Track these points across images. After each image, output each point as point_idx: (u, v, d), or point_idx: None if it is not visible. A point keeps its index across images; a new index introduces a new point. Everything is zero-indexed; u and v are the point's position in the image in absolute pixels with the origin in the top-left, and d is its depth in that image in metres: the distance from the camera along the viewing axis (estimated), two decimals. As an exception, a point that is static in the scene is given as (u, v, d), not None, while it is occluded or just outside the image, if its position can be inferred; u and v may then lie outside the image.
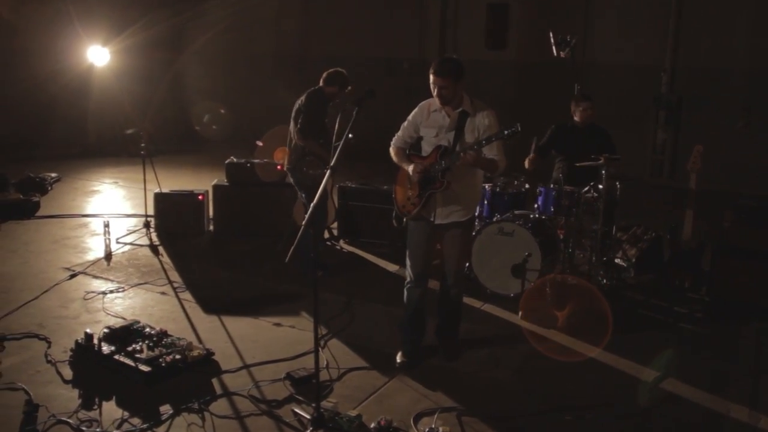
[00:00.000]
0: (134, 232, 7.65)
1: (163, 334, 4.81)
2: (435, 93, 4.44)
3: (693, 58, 11.10)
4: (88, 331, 4.63)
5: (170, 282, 6.19)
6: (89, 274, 6.32)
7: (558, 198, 6.09)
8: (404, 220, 4.72)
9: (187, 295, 5.89)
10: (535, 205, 6.32)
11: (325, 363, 4.62)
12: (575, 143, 6.41)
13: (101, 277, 6.25)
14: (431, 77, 4.41)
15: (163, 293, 5.93)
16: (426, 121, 4.60)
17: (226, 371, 4.54)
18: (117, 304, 5.65)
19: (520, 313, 5.61)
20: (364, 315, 5.60)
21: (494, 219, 6.07)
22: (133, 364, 4.37)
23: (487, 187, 6.51)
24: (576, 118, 6.58)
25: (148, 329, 4.86)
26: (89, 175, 10.92)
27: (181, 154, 12.86)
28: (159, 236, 7.52)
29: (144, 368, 4.32)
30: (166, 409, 4.04)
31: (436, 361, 4.79)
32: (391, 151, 4.75)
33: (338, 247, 7.42)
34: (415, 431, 3.89)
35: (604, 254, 6.30)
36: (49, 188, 9.60)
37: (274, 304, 5.75)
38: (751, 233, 5.88)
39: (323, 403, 3.99)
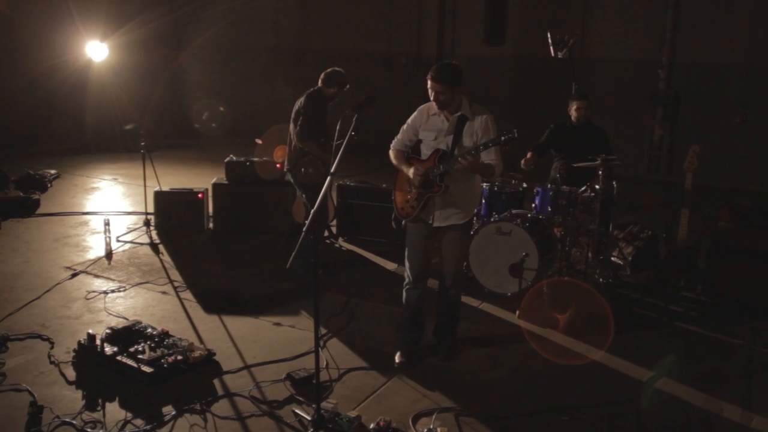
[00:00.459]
0: (134, 230, 7.70)
1: (164, 334, 4.87)
2: (432, 98, 4.48)
3: (690, 54, 11.16)
4: (90, 331, 4.68)
5: (171, 281, 6.25)
6: (90, 273, 6.37)
7: (555, 198, 6.15)
8: (403, 222, 4.77)
9: (187, 295, 5.94)
10: (533, 205, 6.38)
11: (325, 363, 4.68)
12: (573, 143, 6.47)
13: (102, 276, 6.31)
14: (429, 83, 4.45)
15: (164, 292, 5.98)
16: (425, 124, 4.65)
17: (228, 372, 4.60)
18: (118, 303, 5.70)
19: (517, 312, 5.67)
20: (363, 314, 5.66)
21: (492, 219, 6.12)
22: (135, 365, 4.43)
23: (485, 186, 6.55)
24: (572, 117, 6.63)
25: (149, 330, 4.92)
26: (88, 171, 10.95)
27: (180, 149, 12.91)
28: (159, 234, 7.57)
29: (146, 369, 4.38)
30: (168, 410, 4.10)
31: (435, 360, 4.86)
32: (391, 153, 4.80)
33: (337, 245, 7.48)
34: (414, 431, 3.97)
35: (600, 253, 6.36)
36: (49, 185, 9.64)
37: (274, 303, 5.81)
38: (746, 233, 5.96)
39: (323, 403, 4.05)
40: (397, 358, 4.78)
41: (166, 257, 6.92)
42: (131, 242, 7.33)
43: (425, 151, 4.67)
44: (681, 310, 5.92)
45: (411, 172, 4.55)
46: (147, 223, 7.71)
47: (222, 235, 7.67)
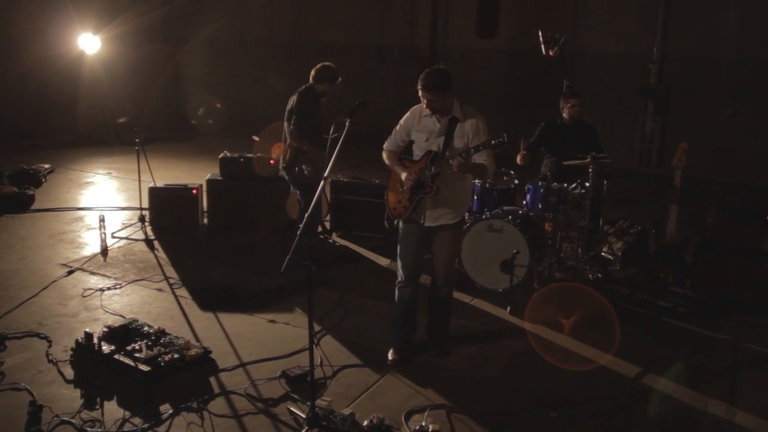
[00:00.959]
0: (129, 226, 7.75)
1: (161, 332, 4.93)
2: (425, 105, 4.54)
3: (681, 47, 11.23)
4: (87, 330, 4.75)
5: (166, 278, 6.31)
6: (86, 270, 6.43)
7: (546, 195, 6.23)
8: (395, 222, 4.85)
9: (183, 292, 6.01)
10: (524, 202, 6.46)
11: (320, 361, 4.77)
12: (564, 141, 6.54)
13: (98, 273, 6.36)
14: (421, 92, 4.51)
15: (159, 290, 6.05)
16: (417, 125, 4.71)
17: (223, 369, 4.67)
18: (115, 301, 5.77)
19: (508, 308, 5.76)
20: (356, 310, 5.74)
21: (484, 216, 6.20)
22: (132, 363, 4.50)
23: (477, 182, 6.64)
24: (564, 115, 6.70)
25: (146, 328, 4.99)
26: (82, 165, 10.98)
27: (174, 142, 12.93)
28: (154, 230, 7.63)
29: (144, 368, 4.45)
30: (165, 408, 4.18)
31: (427, 357, 4.95)
32: (384, 154, 4.86)
33: (331, 241, 7.55)
34: (406, 429, 4.05)
35: (591, 249, 6.46)
36: (43, 180, 9.67)
37: (269, 299, 5.89)
38: (733, 230, 6.05)
39: (318, 401, 4.14)
40: (390, 355, 4.87)
41: (161, 253, 6.98)
42: (126, 238, 7.38)
43: (417, 152, 4.74)
44: (669, 306, 6.02)
45: (404, 176, 4.62)
46: (142, 219, 7.76)
47: (216, 230, 7.73)
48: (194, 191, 7.82)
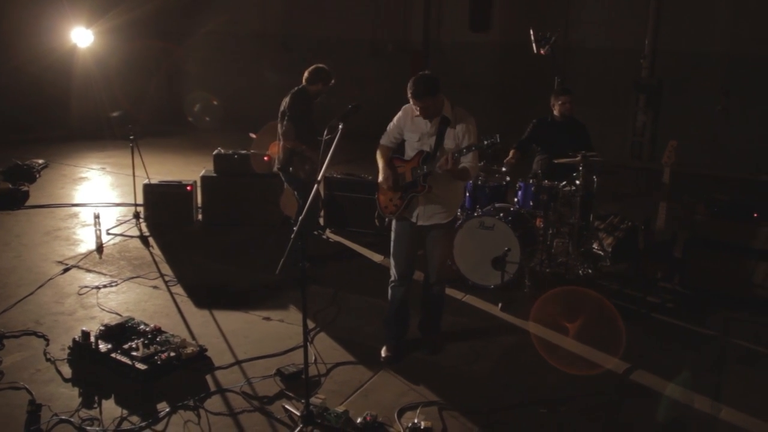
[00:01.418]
0: (124, 222, 7.80)
1: (157, 331, 4.99)
2: (419, 113, 4.60)
3: (673, 42, 11.28)
4: (84, 329, 4.81)
5: (161, 275, 6.37)
6: (82, 268, 6.48)
7: (537, 193, 6.31)
8: (386, 219, 4.93)
9: (178, 289, 6.07)
10: (515, 199, 6.54)
11: (314, 358, 4.84)
12: (555, 138, 6.62)
13: (94, 271, 6.42)
14: (412, 101, 4.57)
15: (155, 287, 6.11)
16: (409, 125, 4.79)
17: (219, 367, 4.75)
18: (111, 299, 5.83)
19: (500, 304, 5.85)
20: (350, 307, 5.82)
21: (476, 213, 6.27)
22: (129, 362, 4.56)
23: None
24: (555, 112, 6.77)
25: (142, 326, 5.05)
26: (76, 160, 10.99)
27: (167, 137, 12.93)
28: (148, 227, 7.67)
29: (140, 366, 4.51)
30: (163, 407, 4.25)
31: (420, 354, 5.04)
32: (378, 150, 4.92)
33: (325, 237, 7.62)
34: (399, 426, 4.13)
35: (581, 245, 6.54)
36: (37, 176, 9.69)
37: (264, 296, 5.96)
38: (722, 226, 6.15)
39: (312, 399, 4.22)
40: (383, 353, 4.96)
41: (156, 250, 7.04)
42: (121, 235, 7.43)
43: (409, 152, 4.81)
44: (658, 301, 6.11)
45: (381, 176, 4.76)
46: (136, 216, 7.80)
47: (211, 227, 7.78)
48: (188, 188, 7.86)
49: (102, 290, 5.97)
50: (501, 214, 6.15)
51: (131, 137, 7.70)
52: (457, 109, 4.73)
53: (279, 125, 6.46)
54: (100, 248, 6.98)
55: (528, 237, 6.22)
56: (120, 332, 4.92)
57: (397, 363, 4.88)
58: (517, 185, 6.56)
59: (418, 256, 5.00)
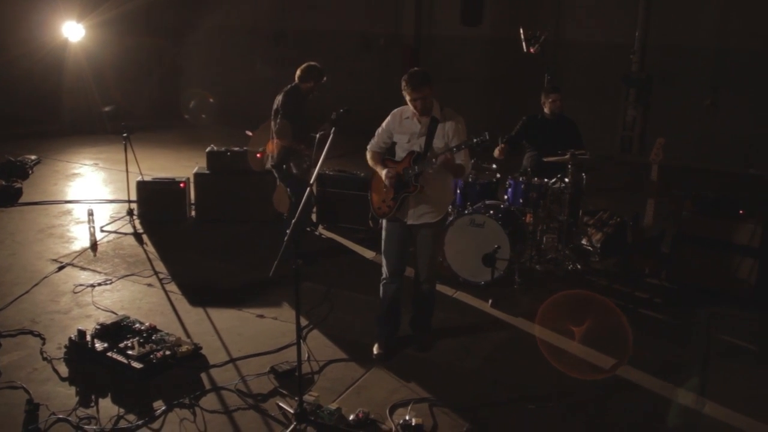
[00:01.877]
0: (118, 219, 7.84)
1: (152, 329, 5.07)
2: (417, 106, 4.67)
3: (662, 36, 11.36)
4: (80, 328, 4.89)
5: (156, 273, 6.43)
6: (77, 266, 6.54)
7: (526, 190, 6.40)
8: (380, 221, 5.01)
9: (172, 287, 6.14)
10: (505, 197, 6.62)
11: (307, 356, 4.93)
12: (545, 136, 6.70)
13: (89, 269, 6.48)
14: (411, 93, 4.64)
15: (149, 285, 6.18)
16: (399, 127, 4.86)
17: (214, 365, 4.83)
18: (106, 297, 5.89)
19: (490, 301, 5.95)
20: (342, 304, 5.90)
21: (466, 210, 6.36)
22: (125, 361, 4.64)
23: (459, 177, 6.77)
24: (545, 110, 6.85)
25: (137, 325, 5.13)
26: (68, 156, 11.01)
27: (160, 131, 12.95)
28: (142, 224, 7.73)
29: (136, 365, 4.59)
30: (159, 405, 4.33)
31: (411, 351, 5.12)
32: (368, 155, 5.01)
33: (317, 233, 7.69)
34: (390, 422, 4.22)
35: (570, 241, 6.64)
36: (30, 172, 9.71)
37: (257, 294, 6.02)
38: (708, 223, 6.25)
39: (305, 396, 4.31)
40: (375, 350, 5.05)
41: (150, 248, 7.09)
42: (115, 232, 7.48)
43: (400, 153, 4.89)
44: (646, 297, 6.22)
45: (384, 173, 4.77)
46: (130, 213, 7.85)
47: (204, 224, 7.83)
48: (182, 185, 7.91)
49: (97, 288, 6.03)
50: (491, 212, 6.23)
51: (124, 135, 7.74)
52: (445, 109, 4.82)
53: (272, 123, 6.51)
54: (94, 246, 7.03)
55: (518, 234, 6.31)
56: (116, 331, 5.00)
57: (388, 360, 4.97)
58: (507, 183, 6.64)
59: (409, 253, 5.09)
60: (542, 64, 7.59)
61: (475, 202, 6.64)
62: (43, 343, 5.04)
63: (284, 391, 4.52)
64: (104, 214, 8.03)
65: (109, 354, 4.73)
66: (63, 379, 4.61)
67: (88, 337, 4.84)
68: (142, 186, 7.84)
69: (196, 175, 7.89)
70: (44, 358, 4.84)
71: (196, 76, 14.61)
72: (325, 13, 13.88)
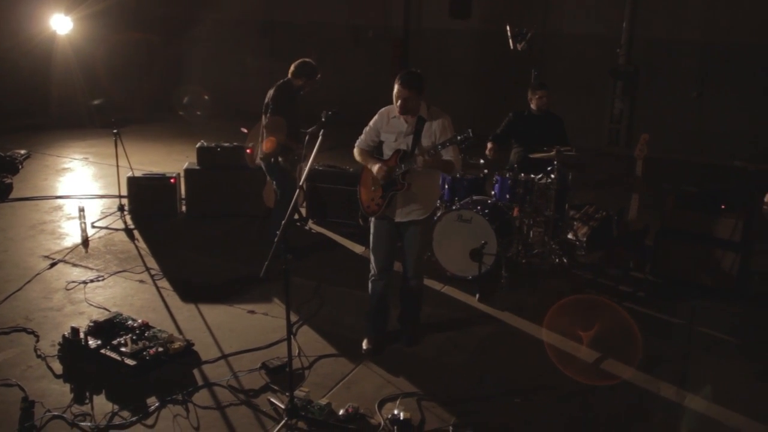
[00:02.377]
0: (109, 215, 7.88)
1: (145, 326, 5.14)
2: (399, 104, 4.74)
3: (649, 29, 11.48)
4: (74, 325, 4.95)
5: (147, 269, 6.49)
6: (69, 263, 6.59)
7: (513, 186, 6.50)
8: (369, 218, 5.10)
9: (164, 283, 6.21)
10: (492, 192, 6.72)
11: (297, 351, 5.02)
12: (531, 132, 6.80)
13: (81, 265, 6.53)
14: (397, 88, 4.71)
15: (141, 281, 6.24)
16: (386, 126, 4.94)
17: (206, 362, 4.91)
18: (98, 294, 5.95)
19: (477, 295, 6.06)
20: (332, 299, 5.99)
21: (454, 206, 6.45)
22: (119, 358, 4.71)
23: (447, 172, 6.86)
24: (532, 106, 6.94)
25: (130, 321, 5.19)
26: (58, 150, 11.02)
27: (149, 124, 12.98)
28: (133, 219, 7.78)
29: (130, 362, 4.66)
30: (152, 401, 4.41)
31: (400, 346, 5.23)
32: (355, 152, 5.08)
33: (307, 228, 7.77)
34: (380, 417, 4.33)
35: (557, 236, 6.75)
36: (20, 167, 9.72)
37: (248, 289, 6.10)
38: (690, 217, 6.38)
39: (296, 392, 4.40)
40: (364, 345, 5.14)
41: (141, 244, 7.15)
42: (106, 228, 7.53)
43: (387, 152, 4.97)
44: (630, 290, 6.34)
45: (375, 168, 4.85)
46: (121, 208, 7.89)
47: (194, 219, 7.89)
48: (172, 180, 7.97)
49: (89, 285, 6.09)
50: (478, 207, 6.33)
51: (115, 131, 7.76)
52: (432, 108, 4.90)
53: (263, 117, 6.57)
54: (85, 242, 7.09)
55: (504, 229, 6.41)
56: (109, 328, 5.06)
57: (377, 355, 5.07)
58: (494, 178, 6.74)
59: (397, 249, 5.18)
60: (530, 58, 7.67)
61: (463, 198, 6.73)
62: (37, 341, 5.10)
63: (275, 387, 4.61)
64: (95, 210, 8.07)
65: (102, 351, 4.79)
66: (57, 377, 4.68)
67: (82, 335, 4.91)
68: (132, 182, 7.89)
69: (187, 171, 7.94)
70: (38, 356, 4.90)
71: (185, 69, 14.61)
72: (314, 6, 13.90)
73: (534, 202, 6.60)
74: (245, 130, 7.87)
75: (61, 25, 11.94)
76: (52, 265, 6.51)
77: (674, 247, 6.43)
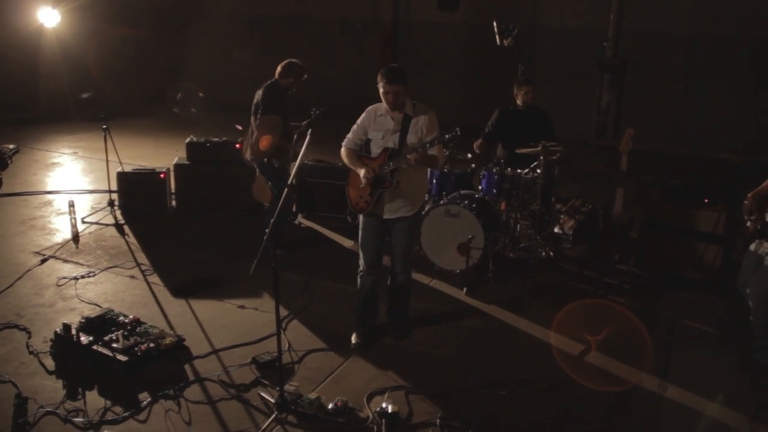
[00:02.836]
0: (99, 210, 7.91)
1: (136, 322, 5.20)
2: (388, 100, 4.82)
3: (636, 22, 11.56)
4: (66, 322, 5.00)
5: (138, 264, 6.55)
6: (59, 258, 6.63)
7: (500, 181, 6.58)
8: (358, 216, 5.17)
9: (155, 278, 6.26)
10: (479, 187, 6.80)
11: (287, 346, 5.09)
12: (517, 127, 6.86)
13: (71, 261, 6.57)
14: (384, 86, 4.78)
15: (132, 276, 6.29)
16: (373, 124, 5.01)
17: (197, 357, 4.98)
18: (89, 289, 6.00)
19: (464, 289, 6.15)
20: (321, 294, 6.06)
21: (442, 201, 6.53)
22: (110, 354, 4.77)
23: (435, 167, 6.93)
24: (518, 101, 7.01)
25: (121, 317, 5.25)
26: (47, 144, 11.01)
27: (138, 117, 12.98)
28: (123, 214, 7.82)
29: (121, 358, 4.73)
30: (144, 397, 4.48)
31: (388, 340, 5.31)
32: (343, 152, 5.14)
33: (297, 222, 7.83)
34: (368, 410, 4.41)
35: (543, 230, 6.84)
36: (9, 162, 9.66)
37: (238, 284, 6.16)
38: (674, 211, 6.48)
39: (286, 386, 4.48)
40: (353, 339, 5.23)
41: (131, 239, 7.20)
42: (97, 223, 7.57)
43: (374, 150, 5.04)
44: (615, 283, 6.44)
45: (362, 173, 4.92)
46: (111, 204, 7.92)
47: (184, 214, 7.94)
48: (162, 175, 8.00)
49: (80, 281, 6.14)
50: (466, 202, 6.40)
51: (104, 126, 7.78)
52: (417, 105, 4.97)
53: (252, 118, 6.61)
54: (76, 237, 7.12)
55: (491, 223, 6.49)
56: (100, 324, 5.12)
57: (366, 349, 5.15)
58: (481, 173, 6.82)
59: (385, 245, 5.25)
60: (517, 52, 7.72)
61: (451, 192, 6.81)
62: (29, 337, 5.15)
63: (266, 381, 4.68)
64: (85, 205, 8.10)
65: (94, 347, 4.85)
66: (50, 373, 4.73)
67: (74, 331, 4.96)
68: (122, 177, 7.92)
69: (176, 166, 7.98)
70: (31, 352, 4.95)
71: (173, 61, 14.59)
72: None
73: (521, 197, 6.69)
74: (240, 127, 7.91)
75: (48, 17, 11.91)
76: (43, 261, 6.55)
77: (658, 240, 6.54)
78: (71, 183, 9.07)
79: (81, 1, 12.79)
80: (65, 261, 6.59)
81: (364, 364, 4.97)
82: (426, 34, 13.15)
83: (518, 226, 6.94)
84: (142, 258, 6.71)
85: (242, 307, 5.77)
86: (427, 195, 6.63)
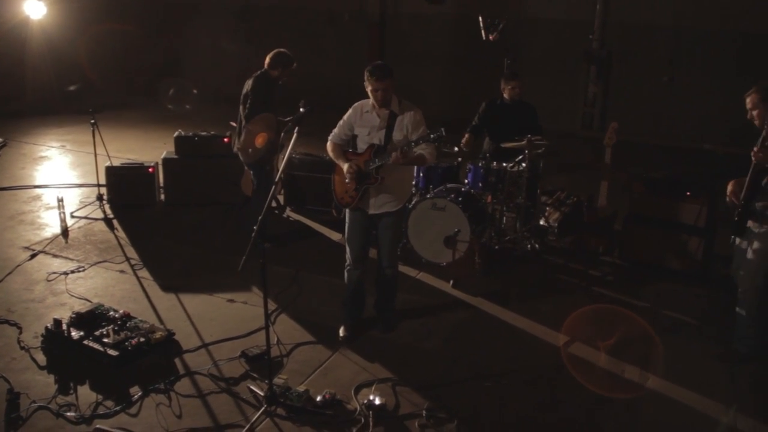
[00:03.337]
0: (87, 205, 7.93)
1: (126, 316, 5.26)
2: (377, 97, 4.88)
3: (622, 14, 11.64)
4: (56, 317, 5.06)
5: (127, 259, 6.59)
6: (49, 253, 6.66)
7: (486, 175, 6.66)
8: (343, 210, 5.24)
9: (144, 273, 6.31)
10: (465, 181, 6.88)
11: (276, 339, 5.17)
12: (504, 121, 6.94)
13: (61, 256, 6.61)
14: (374, 84, 4.84)
15: (121, 271, 6.34)
16: (359, 120, 5.07)
17: (187, 351, 5.05)
18: (79, 284, 6.05)
19: (451, 282, 6.24)
20: (310, 287, 6.14)
21: (428, 194, 6.60)
22: (101, 348, 4.83)
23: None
24: (505, 95, 7.07)
25: (112, 312, 5.31)
26: (35, 137, 10.99)
27: (125, 110, 12.94)
28: (112, 209, 7.84)
29: (112, 353, 4.79)
30: (135, 391, 4.55)
31: (375, 332, 5.40)
32: (328, 146, 5.21)
33: (285, 215, 7.89)
34: (356, 402, 4.50)
35: (528, 222, 6.94)
36: (-3, 156, 9.72)
37: (227, 278, 6.21)
38: (657, 203, 6.59)
39: (275, 380, 4.56)
40: (341, 332, 5.31)
41: (120, 233, 7.23)
42: (86, 218, 7.59)
43: (360, 146, 5.11)
44: (599, 275, 6.55)
45: (345, 167, 4.99)
46: (100, 198, 7.94)
47: (173, 208, 7.98)
48: (150, 169, 8.03)
49: (70, 276, 6.18)
50: (452, 195, 6.48)
51: (92, 121, 7.79)
52: (403, 102, 5.04)
53: (241, 108, 6.65)
54: (65, 232, 7.16)
55: (477, 216, 6.58)
56: (91, 319, 5.18)
57: (354, 342, 5.24)
58: (468, 167, 6.89)
59: (371, 239, 5.32)
60: (504, 48, 7.80)
61: (437, 185, 6.88)
62: (20, 333, 5.20)
63: (255, 375, 4.77)
64: (74, 200, 8.12)
65: (85, 342, 4.91)
66: (41, 368, 4.79)
67: (64, 326, 5.02)
68: (111, 171, 7.94)
69: (165, 160, 8.01)
70: (22, 348, 5.01)
71: (162, 55, 14.54)
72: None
73: (506, 190, 6.77)
74: (234, 124, 7.94)
75: (34, 9, 11.85)
76: (33, 256, 6.59)
77: (641, 231, 6.65)
78: (60, 177, 9.07)
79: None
80: (55, 256, 6.62)
81: (352, 356, 5.06)
82: (413, 27, 13.18)
83: (504, 218, 7.02)
84: (131, 252, 6.76)
85: (231, 301, 5.84)
86: (414, 188, 6.71)
